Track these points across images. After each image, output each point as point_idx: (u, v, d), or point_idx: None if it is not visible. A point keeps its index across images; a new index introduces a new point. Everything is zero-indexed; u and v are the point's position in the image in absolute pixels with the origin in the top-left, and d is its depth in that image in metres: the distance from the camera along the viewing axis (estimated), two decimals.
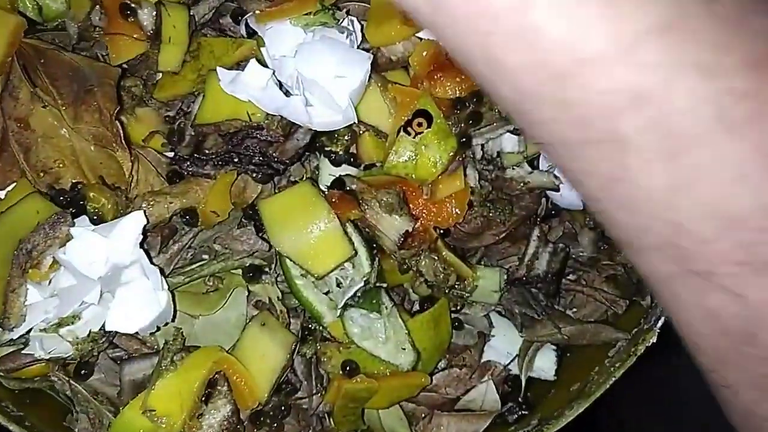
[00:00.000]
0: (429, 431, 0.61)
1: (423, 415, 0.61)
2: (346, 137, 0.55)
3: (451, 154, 0.53)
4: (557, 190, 0.59)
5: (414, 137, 0.52)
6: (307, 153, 0.56)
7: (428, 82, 0.55)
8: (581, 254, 0.63)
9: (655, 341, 0.56)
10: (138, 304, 0.48)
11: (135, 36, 0.54)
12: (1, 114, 0.52)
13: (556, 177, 0.59)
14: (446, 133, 0.53)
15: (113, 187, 0.52)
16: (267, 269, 0.53)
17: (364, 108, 0.53)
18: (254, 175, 0.53)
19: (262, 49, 0.53)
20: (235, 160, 0.52)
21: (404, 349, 0.53)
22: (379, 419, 0.61)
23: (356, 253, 0.52)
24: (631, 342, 0.58)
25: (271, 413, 0.54)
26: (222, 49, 0.55)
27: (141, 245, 0.49)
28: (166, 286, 0.50)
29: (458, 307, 0.59)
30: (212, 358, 0.50)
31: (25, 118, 0.52)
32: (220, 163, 0.52)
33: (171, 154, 0.55)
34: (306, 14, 0.52)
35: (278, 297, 0.53)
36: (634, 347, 0.56)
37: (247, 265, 0.52)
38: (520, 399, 0.61)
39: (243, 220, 0.55)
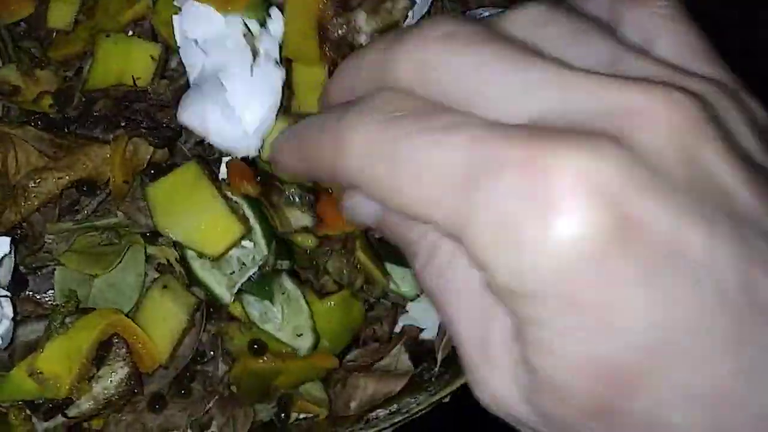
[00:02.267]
0: (346, 393, 0.60)
1: (338, 377, 0.59)
2: None
3: None
4: None
5: None
6: None
7: None
8: None
9: None
10: None
11: None
12: None
13: None
14: None
15: None
16: None
17: None
18: (150, 138, 0.50)
19: (174, 18, 0.49)
20: (123, 124, 0.48)
21: (300, 335, 0.50)
22: None
23: (250, 230, 0.48)
24: None
25: (176, 377, 0.51)
26: (116, 6, 0.51)
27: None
28: (10, 315, 0.46)
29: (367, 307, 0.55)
30: (105, 320, 0.47)
31: None
32: (108, 126, 0.49)
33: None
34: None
35: (176, 259, 0.51)
36: None
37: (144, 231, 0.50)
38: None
39: (143, 183, 0.52)
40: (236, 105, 0.45)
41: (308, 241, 0.51)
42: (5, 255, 0.44)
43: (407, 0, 0.52)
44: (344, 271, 0.51)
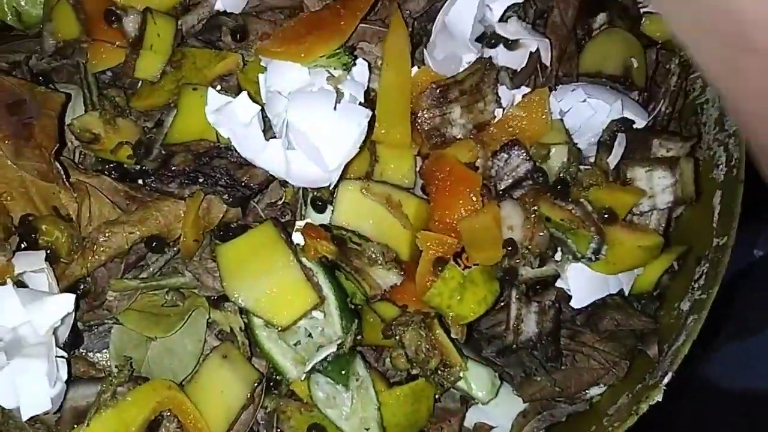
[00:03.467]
0: None
1: None
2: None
3: (495, 296, 0.47)
4: (558, 277, 0.51)
5: (463, 269, 0.46)
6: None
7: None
8: (576, 315, 0.56)
9: (660, 400, 0.49)
10: (27, 383, 0.41)
11: (117, 43, 0.50)
12: None
13: (556, 264, 0.51)
14: (492, 275, 0.47)
15: (68, 219, 0.45)
16: None
17: (374, 226, 0.46)
18: (224, 197, 0.47)
19: (260, 75, 0.46)
20: (201, 180, 0.46)
21: (367, 429, 0.44)
22: None
23: (323, 300, 0.44)
24: (633, 399, 0.49)
25: None
26: (204, 60, 0.50)
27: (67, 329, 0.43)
28: (64, 377, 0.42)
29: (438, 395, 0.49)
30: (157, 396, 0.42)
31: None
32: (185, 182, 0.46)
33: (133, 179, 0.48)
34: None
35: (241, 328, 0.46)
36: (636, 405, 0.48)
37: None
38: None
39: (213, 243, 0.48)
40: (319, 144, 0.43)
41: (388, 311, 0.47)
42: (68, 314, 0.41)
43: (496, 103, 0.51)
44: (421, 346, 0.45)
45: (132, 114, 0.50)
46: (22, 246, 0.44)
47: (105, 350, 0.47)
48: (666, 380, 0.48)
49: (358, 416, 0.44)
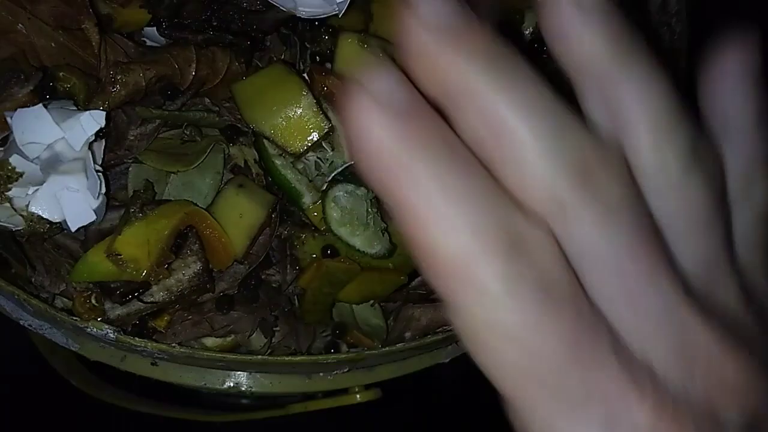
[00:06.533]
0: (400, 324, 0.57)
1: (391, 309, 0.57)
2: (326, 37, 0.53)
3: None
4: None
5: None
6: (289, 34, 0.53)
7: None
8: None
9: None
10: (70, 196, 0.42)
11: None
12: None
13: None
14: None
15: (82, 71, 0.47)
16: (246, 130, 0.49)
17: None
18: (233, 47, 0.50)
19: None
20: (214, 23, 0.49)
21: (383, 235, 0.48)
22: (351, 310, 0.56)
23: (334, 128, 0.49)
24: None
25: (244, 279, 0.49)
26: None
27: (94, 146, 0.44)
28: (103, 190, 0.44)
29: None
30: (184, 209, 0.45)
31: None
32: (199, 28, 0.49)
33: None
34: None
35: (255, 159, 0.49)
36: None
37: (227, 123, 0.49)
38: None
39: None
40: None
41: None
42: (101, 128, 0.43)
43: None
44: None
45: None
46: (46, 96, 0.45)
47: (124, 190, 0.48)
48: None
49: (371, 229, 0.48)
